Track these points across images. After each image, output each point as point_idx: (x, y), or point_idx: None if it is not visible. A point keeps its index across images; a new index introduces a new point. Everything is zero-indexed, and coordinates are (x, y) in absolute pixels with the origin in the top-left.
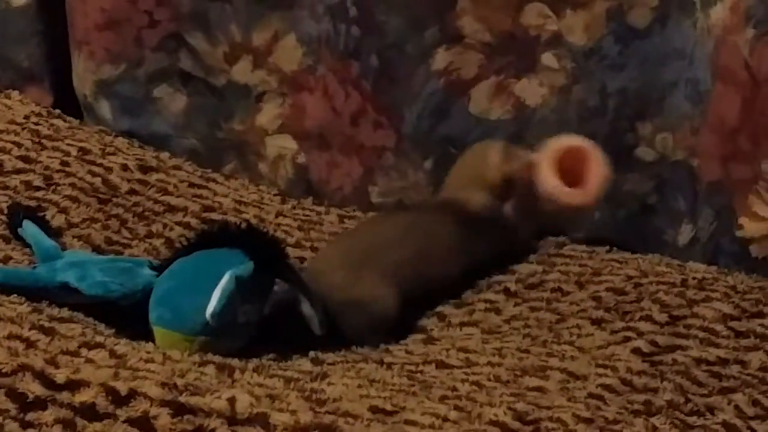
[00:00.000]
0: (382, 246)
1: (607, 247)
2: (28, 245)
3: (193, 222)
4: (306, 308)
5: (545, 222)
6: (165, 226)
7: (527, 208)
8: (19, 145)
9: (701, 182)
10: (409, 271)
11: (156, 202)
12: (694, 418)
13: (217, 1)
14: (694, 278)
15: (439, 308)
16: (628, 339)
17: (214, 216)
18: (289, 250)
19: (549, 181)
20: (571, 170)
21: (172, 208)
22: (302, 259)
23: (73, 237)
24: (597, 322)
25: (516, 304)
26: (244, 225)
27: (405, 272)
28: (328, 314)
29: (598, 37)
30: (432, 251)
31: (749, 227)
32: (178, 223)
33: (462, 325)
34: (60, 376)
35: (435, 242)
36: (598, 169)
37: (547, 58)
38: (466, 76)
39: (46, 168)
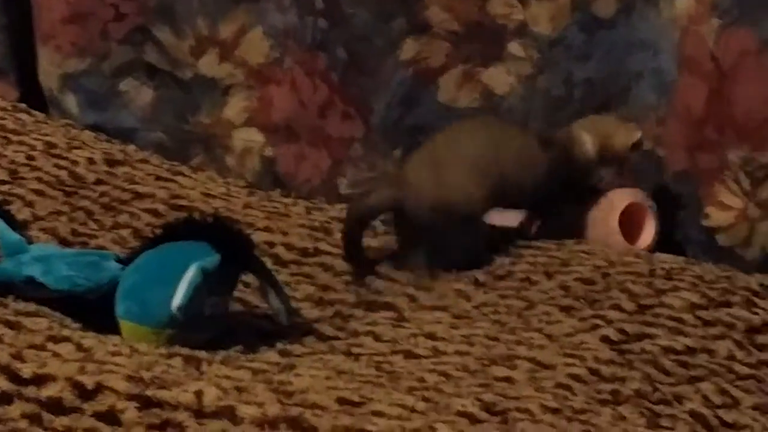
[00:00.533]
0: (465, 144)
1: (575, 239)
2: None
3: (161, 209)
4: (273, 300)
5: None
6: (132, 215)
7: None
8: None
9: (668, 172)
10: (489, 170)
11: (123, 190)
12: (662, 407)
13: None
14: (661, 268)
15: (410, 290)
16: (596, 326)
17: (182, 203)
18: (257, 235)
19: (612, 230)
20: (628, 220)
21: (139, 196)
22: (271, 244)
23: (39, 230)
24: (566, 310)
25: (485, 292)
26: (210, 217)
27: (487, 169)
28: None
29: (563, 27)
30: (514, 163)
31: (716, 216)
32: (146, 211)
33: (433, 308)
34: (26, 370)
35: (520, 156)
36: (650, 230)
37: (514, 47)
38: (434, 65)
39: (12, 162)
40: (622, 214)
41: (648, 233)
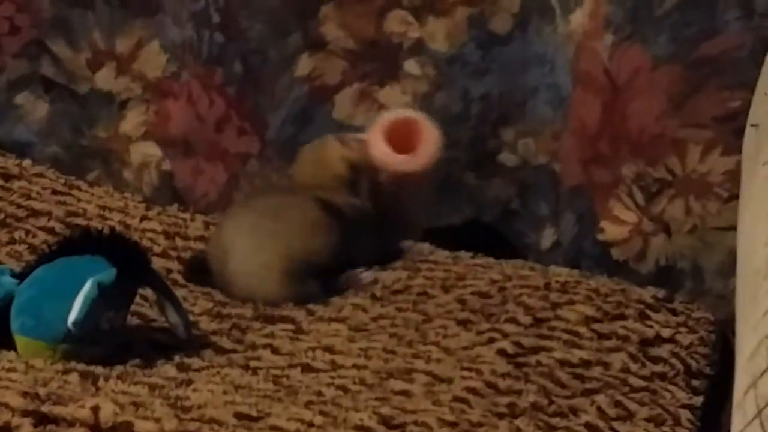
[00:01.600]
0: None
1: (471, 253)
2: None
3: (57, 227)
4: (171, 314)
5: (396, 210)
6: (28, 232)
7: (378, 194)
8: None
9: (563, 186)
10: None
11: (19, 206)
12: (558, 419)
13: (79, 7)
14: (557, 282)
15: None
16: (493, 340)
17: (79, 221)
18: (155, 260)
19: (379, 149)
20: (406, 142)
21: (35, 213)
22: (168, 270)
23: None
24: (462, 323)
25: (383, 306)
26: (106, 231)
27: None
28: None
29: (460, 44)
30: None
31: (610, 231)
32: (41, 228)
33: (330, 320)
34: None
35: (309, 228)
36: (429, 136)
37: (410, 65)
38: (330, 82)
39: None
40: (400, 136)
41: (425, 141)
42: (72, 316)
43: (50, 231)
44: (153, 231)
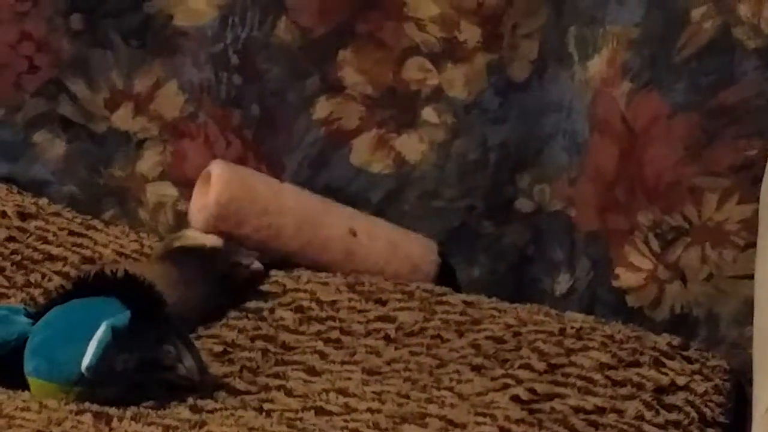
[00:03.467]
0: None
1: (487, 297)
2: None
3: (73, 272)
4: (185, 356)
5: None
6: (44, 276)
7: None
8: None
9: (579, 232)
10: None
11: (35, 250)
12: None
13: (98, 47)
14: (572, 327)
15: (319, 347)
16: (507, 386)
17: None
18: None
19: None
20: None
21: (51, 257)
22: None
23: None
24: (476, 369)
25: (396, 349)
26: (120, 273)
27: None
28: None
29: (479, 91)
30: None
31: (625, 277)
32: (57, 273)
33: (343, 363)
34: None
35: None
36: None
37: (428, 113)
38: (348, 127)
39: None
40: None
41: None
42: (86, 361)
43: (66, 276)
44: None
